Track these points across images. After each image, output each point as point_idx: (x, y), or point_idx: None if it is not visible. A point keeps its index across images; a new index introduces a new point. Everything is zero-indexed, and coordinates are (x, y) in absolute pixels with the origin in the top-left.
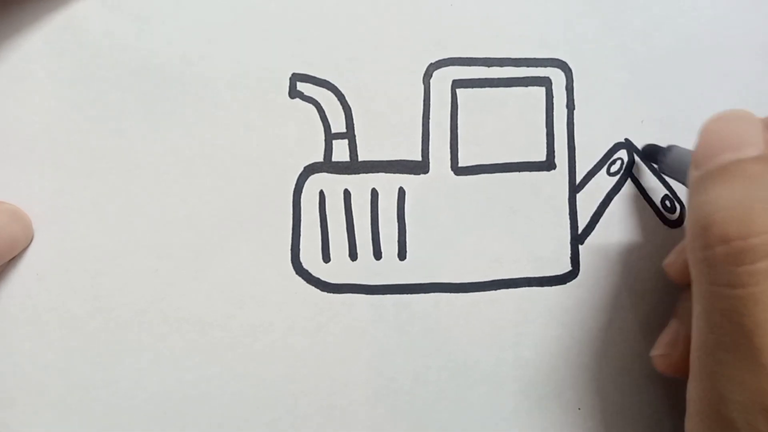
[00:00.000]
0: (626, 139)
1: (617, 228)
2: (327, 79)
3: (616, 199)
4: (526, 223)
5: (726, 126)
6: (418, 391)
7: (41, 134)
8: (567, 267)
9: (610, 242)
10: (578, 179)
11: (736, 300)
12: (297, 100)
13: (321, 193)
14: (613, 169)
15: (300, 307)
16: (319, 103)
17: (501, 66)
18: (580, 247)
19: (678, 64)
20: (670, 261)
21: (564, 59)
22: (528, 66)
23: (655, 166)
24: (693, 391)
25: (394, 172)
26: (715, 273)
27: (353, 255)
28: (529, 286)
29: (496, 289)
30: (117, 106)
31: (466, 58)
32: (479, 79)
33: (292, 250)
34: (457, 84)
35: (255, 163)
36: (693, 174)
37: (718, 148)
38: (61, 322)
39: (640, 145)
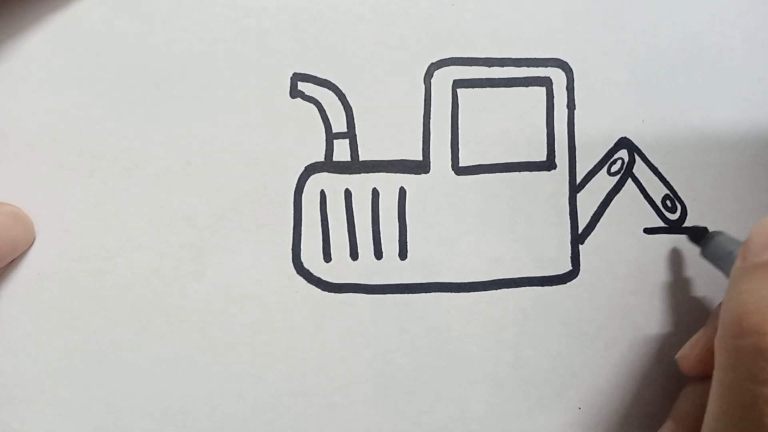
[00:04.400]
0: (627, 139)
1: (617, 228)
2: (328, 78)
3: (617, 199)
4: (527, 223)
5: None
6: (418, 391)
7: (42, 134)
8: (567, 267)
9: (610, 242)
10: (579, 179)
11: (759, 398)
12: (298, 99)
13: (322, 192)
14: (614, 168)
15: (301, 306)
16: (320, 103)
17: (502, 66)
18: (581, 246)
19: (678, 64)
20: (684, 354)
21: (565, 59)
22: (529, 66)
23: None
24: None
25: (395, 172)
26: (743, 365)
27: (354, 255)
28: (529, 285)
29: (496, 289)
30: (117, 106)
31: (467, 58)
32: (480, 79)
33: (293, 249)
34: (457, 84)
35: (256, 162)
36: (738, 264)
37: None
38: (62, 322)
39: (640, 145)
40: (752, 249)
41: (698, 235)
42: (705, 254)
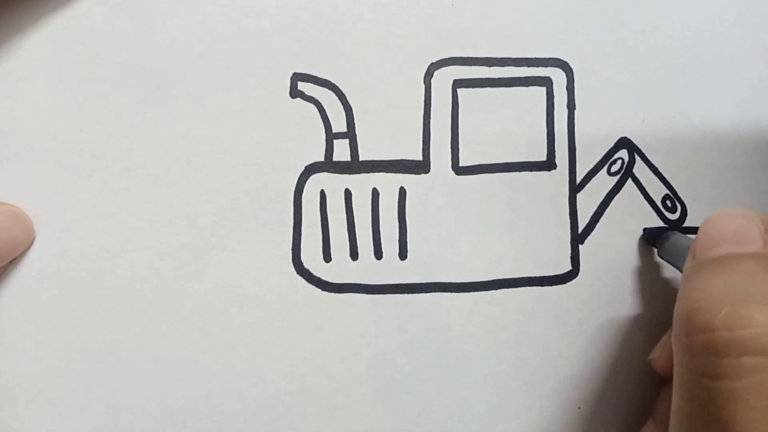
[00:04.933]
0: (627, 139)
1: (617, 228)
2: (328, 78)
3: (617, 199)
4: (527, 223)
5: (727, 221)
6: (418, 391)
7: (42, 134)
8: (567, 267)
9: (610, 242)
10: (579, 179)
11: (714, 392)
12: (298, 99)
13: (322, 192)
14: (614, 168)
15: (301, 306)
16: (320, 103)
17: (502, 66)
18: (581, 246)
19: (678, 64)
20: (655, 356)
21: (565, 59)
22: (529, 66)
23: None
24: None
25: (395, 172)
26: (696, 362)
27: (354, 254)
28: (529, 285)
29: (496, 289)
30: (117, 106)
31: (467, 57)
32: (480, 78)
33: (293, 249)
34: (458, 84)
35: (256, 162)
36: (689, 262)
37: (717, 241)
38: (62, 322)
39: (640, 145)
40: (700, 246)
41: (653, 237)
42: (661, 254)
